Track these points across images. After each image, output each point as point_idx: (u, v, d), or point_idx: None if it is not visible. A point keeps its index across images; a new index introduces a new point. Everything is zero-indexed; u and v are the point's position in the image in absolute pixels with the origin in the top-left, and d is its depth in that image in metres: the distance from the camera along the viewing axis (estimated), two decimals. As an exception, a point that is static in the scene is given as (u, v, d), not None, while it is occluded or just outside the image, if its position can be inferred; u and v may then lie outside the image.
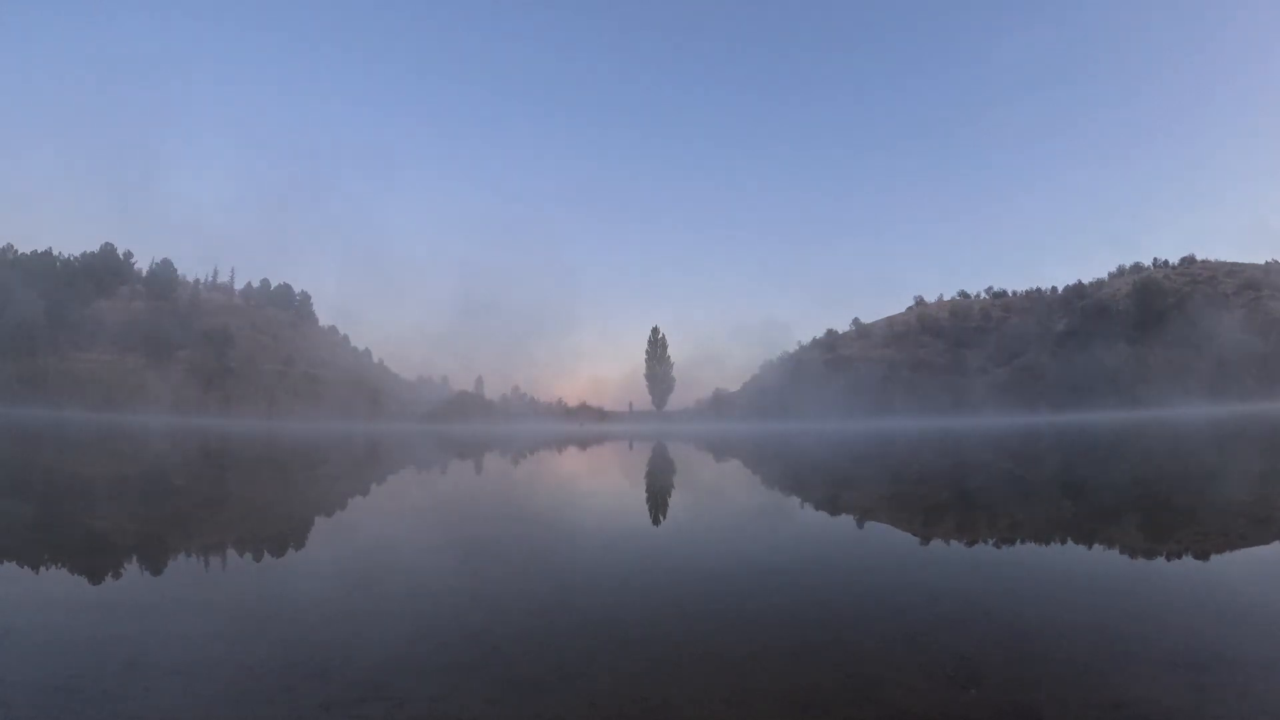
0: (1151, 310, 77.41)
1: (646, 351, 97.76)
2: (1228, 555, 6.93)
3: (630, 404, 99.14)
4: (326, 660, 4.05)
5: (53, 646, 4.27)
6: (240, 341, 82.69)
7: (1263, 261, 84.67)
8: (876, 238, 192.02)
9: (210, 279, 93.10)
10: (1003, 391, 79.00)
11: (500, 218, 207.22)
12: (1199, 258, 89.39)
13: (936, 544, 7.91)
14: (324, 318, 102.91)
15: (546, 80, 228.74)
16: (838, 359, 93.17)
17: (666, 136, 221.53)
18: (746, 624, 4.86)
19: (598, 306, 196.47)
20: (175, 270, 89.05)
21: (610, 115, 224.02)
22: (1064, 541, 8.04)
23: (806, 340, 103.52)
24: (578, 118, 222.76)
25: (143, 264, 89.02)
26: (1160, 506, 10.82)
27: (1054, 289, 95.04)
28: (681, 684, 3.73)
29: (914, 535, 8.76)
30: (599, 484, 17.50)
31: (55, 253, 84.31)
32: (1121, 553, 7.18)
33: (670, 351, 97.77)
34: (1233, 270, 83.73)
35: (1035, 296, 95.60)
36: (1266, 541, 7.70)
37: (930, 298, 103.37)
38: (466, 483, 17.12)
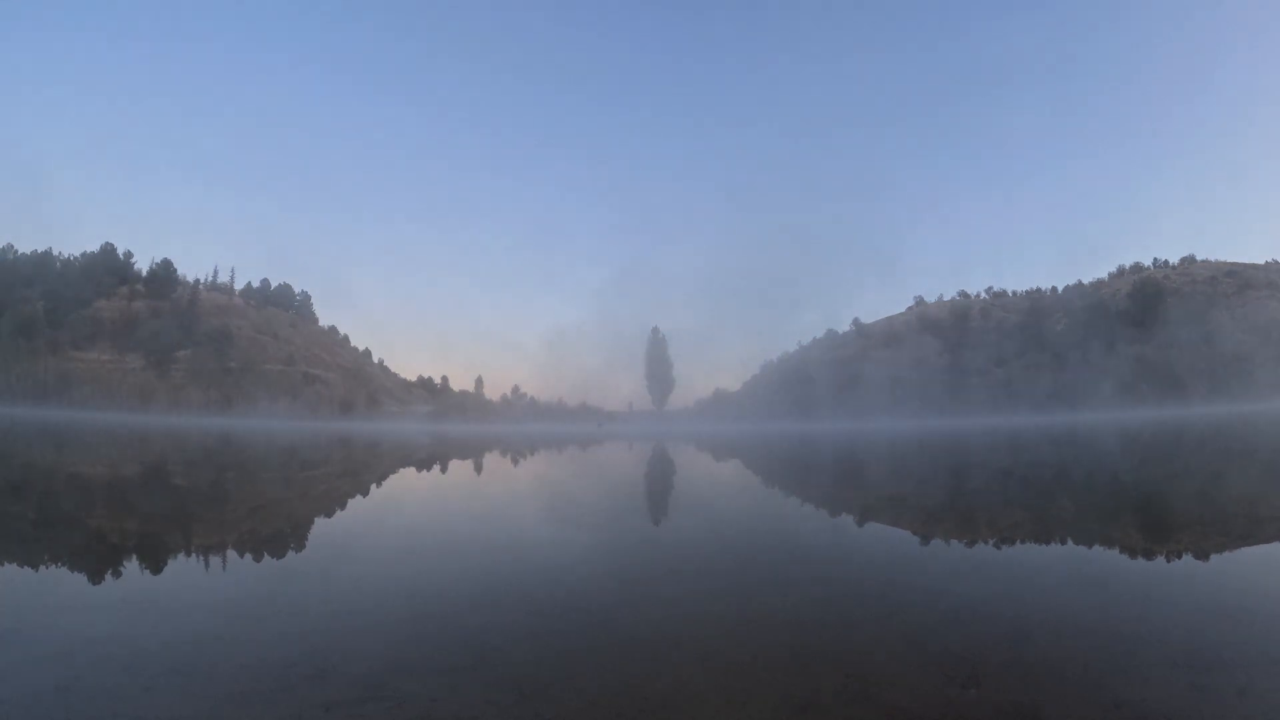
0: (1151, 310, 77.40)
1: (647, 351, 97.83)
2: (1228, 555, 6.92)
3: (630, 404, 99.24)
4: (326, 660, 4.05)
5: (52, 646, 4.27)
6: (240, 341, 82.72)
7: (1263, 261, 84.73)
8: (877, 237, 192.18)
9: (210, 279, 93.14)
10: (1003, 391, 78.98)
11: (495, 214, 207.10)
12: (1199, 258, 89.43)
13: (936, 544, 7.91)
14: (324, 318, 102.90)
15: (536, 73, 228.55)
16: (838, 359, 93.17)
17: (662, 131, 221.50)
18: (747, 624, 4.86)
19: (599, 305, 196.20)
20: (175, 270, 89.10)
21: (601, 107, 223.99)
22: (1064, 541, 8.04)
23: (806, 340, 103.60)
24: (570, 110, 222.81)
25: (143, 264, 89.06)
26: (1159, 508, 10.82)
27: (1054, 289, 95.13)
28: (682, 684, 3.73)
29: (914, 535, 8.76)
30: (598, 484, 17.50)
31: (55, 253, 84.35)
32: (1121, 552, 7.17)
33: (670, 351, 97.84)
34: (1233, 270, 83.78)
35: (1035, 296, 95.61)
36: (1266, 541, 7.70)
37: (930, 298, 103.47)
38: (466, 483, 17.13)
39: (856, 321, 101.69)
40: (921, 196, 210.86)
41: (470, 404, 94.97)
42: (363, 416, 79.92)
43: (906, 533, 9.07)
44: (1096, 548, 7.50)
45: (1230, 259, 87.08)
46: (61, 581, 6.20)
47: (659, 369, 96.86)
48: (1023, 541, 8.13)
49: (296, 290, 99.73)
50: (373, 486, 15.80)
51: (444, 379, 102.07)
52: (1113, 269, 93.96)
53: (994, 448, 25.97)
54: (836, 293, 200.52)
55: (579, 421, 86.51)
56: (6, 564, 6.91)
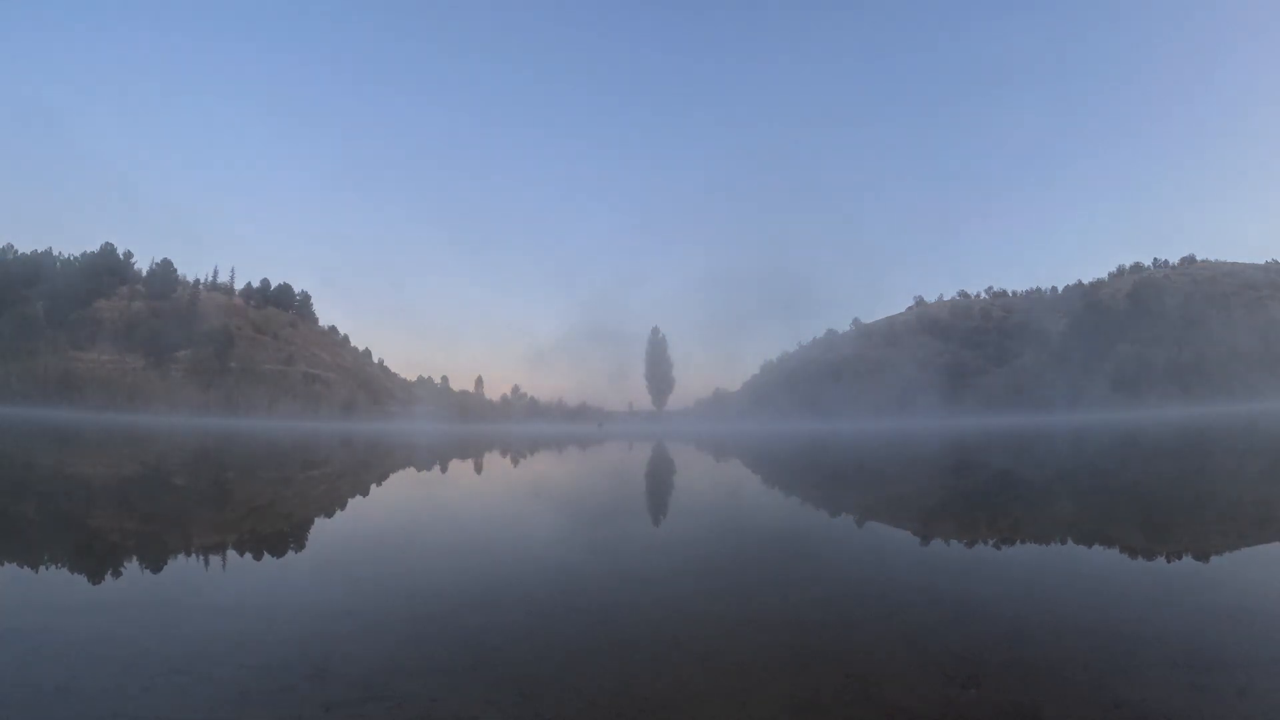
0: (1151, 310, 77.37)
1: (647, 351, 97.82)
2: (1228, 555, 6.92)
3: (630, 404, 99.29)
4: (326, 660, 4.05)
5: (52, 647, 4.27)
6: (240, 341, 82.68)
7: (1263, 261, 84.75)
8: (877, 237, 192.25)
9: (210, 279, 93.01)
10: (1002, 391, 78.96)
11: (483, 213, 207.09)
12: (1199, 258, 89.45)
13: (936, 544, 7.91)
14: (324, 318, 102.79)
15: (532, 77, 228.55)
16: (838, 359, 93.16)
17: (662, 131, 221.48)
18: (747, 624, 4.86)
19: (599, 305, 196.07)
20: (175, 270, 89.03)
21: (600, 106, 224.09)
22: (1064, 541, 8.03)
23: (806, 340, 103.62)
24: (570, 110, 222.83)
25: (143, 264, 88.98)
26: (1156, 509, 10.82)
27: (1054, 289, 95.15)
28: (682, 684, 3.73)
29: (914, 535, 8.76)
30: (598, 484, 17.50)
31: (55, 253, 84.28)
32: (1121, 552, 7.18)
33: (670, 351, 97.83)
34: (1233, 270, 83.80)
35: (1035, 296, 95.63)
36: (1266, 541, 7.70)
37: (930, 298, 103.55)
38: (465, 483, 17.13)
39: (856, 321, 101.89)
40: (922, 196, 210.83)
41: (470, 404, 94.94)
42: (363, 417, 79.88)
43: (906, 533, 9.07)
44: (1096, 547, 7.51)
45: (1230, 259, 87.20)
46: (61, 581, 6.20)
47: (659, 369, 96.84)
48: (1023, 541, 8.13)
49: (296, 290, 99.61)
50: (373, 487, 15.79)
51: (444, 379, 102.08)
52: (1113, 269, 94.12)
53: (1001, 450, 25.95)
54: (837, 292, 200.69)
55: (579, 421, 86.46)
56: (6, 564, 6.90)
